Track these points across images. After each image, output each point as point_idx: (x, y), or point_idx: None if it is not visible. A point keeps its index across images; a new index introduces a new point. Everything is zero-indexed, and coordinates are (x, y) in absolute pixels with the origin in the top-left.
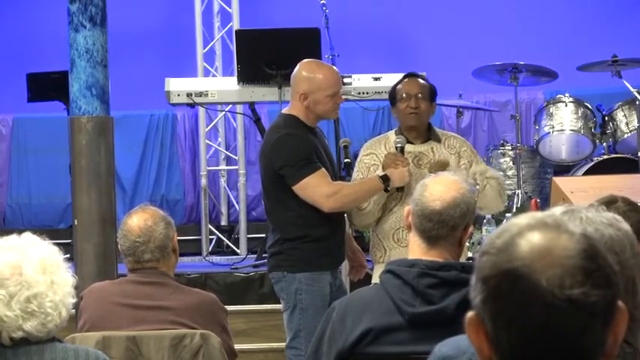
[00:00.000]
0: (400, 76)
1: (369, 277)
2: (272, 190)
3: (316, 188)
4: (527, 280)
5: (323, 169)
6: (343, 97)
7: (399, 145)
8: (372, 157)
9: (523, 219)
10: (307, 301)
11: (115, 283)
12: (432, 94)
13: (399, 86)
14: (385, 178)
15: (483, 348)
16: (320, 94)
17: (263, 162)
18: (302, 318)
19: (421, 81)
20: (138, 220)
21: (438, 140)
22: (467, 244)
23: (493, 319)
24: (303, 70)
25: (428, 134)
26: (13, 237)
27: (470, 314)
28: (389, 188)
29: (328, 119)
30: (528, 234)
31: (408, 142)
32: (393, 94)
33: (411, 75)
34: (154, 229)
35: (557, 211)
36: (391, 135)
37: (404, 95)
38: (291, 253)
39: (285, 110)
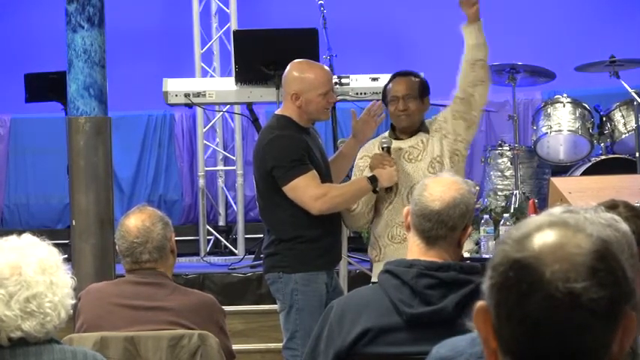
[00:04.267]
0: None
1: (367, 276)
2: (266, 190)
3: (305, 190)
4: (532, 270)
5: (314, 170)
6: (340, 97)
7: (384, 145)
8: (365, 160)
9: (546, 216)
10: (303, 301)
11: (112, 284)
12: (422, 91)
13: (389, 87)
14: (373, 179)
15: (490, 339)
16: (312, 94)
17: (256, 163)
18: (298, 319)
19: (412, 79)
20: (135, 221)
21: (427, 131)
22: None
23: (497, 308)
24: (294, 70)
25: (418, 128)
26: (13, 237)
27: (479, 303)
28: (377, 189)
29: (320, 120)
30: (547, 230)
31: (399, 139)
32: (385, 95)
33: (399, 74)
34: (151, 230)
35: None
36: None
37: (392, 97)
38: (287, 254)
39: (278, 111)
